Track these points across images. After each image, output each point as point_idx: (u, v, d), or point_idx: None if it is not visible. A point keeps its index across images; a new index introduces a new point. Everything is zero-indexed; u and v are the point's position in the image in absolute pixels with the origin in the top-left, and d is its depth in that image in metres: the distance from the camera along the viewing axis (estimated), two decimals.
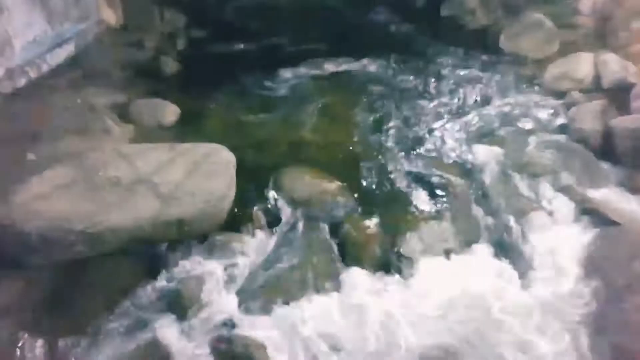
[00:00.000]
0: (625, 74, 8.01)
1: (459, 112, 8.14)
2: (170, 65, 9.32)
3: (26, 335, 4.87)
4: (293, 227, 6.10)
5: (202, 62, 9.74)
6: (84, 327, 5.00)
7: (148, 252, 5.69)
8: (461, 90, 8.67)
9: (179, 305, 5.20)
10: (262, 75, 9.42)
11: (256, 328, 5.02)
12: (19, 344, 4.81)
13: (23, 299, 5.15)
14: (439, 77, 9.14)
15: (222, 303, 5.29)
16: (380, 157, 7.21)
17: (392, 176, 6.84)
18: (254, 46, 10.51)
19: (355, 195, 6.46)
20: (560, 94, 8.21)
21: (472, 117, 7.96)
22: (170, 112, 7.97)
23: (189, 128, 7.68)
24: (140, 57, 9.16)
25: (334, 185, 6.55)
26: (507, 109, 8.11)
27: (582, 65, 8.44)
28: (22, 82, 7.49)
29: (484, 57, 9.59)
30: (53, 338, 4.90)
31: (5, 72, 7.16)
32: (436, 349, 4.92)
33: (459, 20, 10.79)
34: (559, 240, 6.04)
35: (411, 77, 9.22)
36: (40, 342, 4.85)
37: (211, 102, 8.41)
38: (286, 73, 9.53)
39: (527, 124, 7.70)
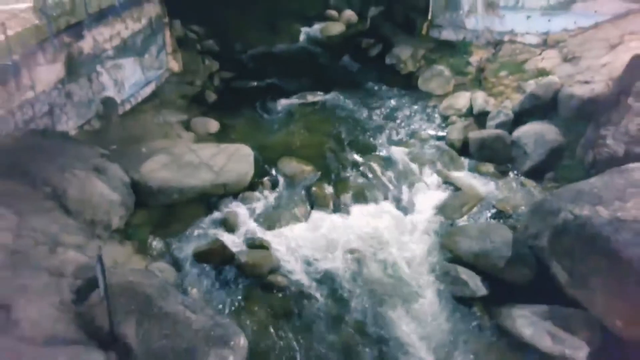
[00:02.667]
0: (487, 106, 12.01)
1: (386, 127, 12.09)
2: (211, 96, 13.23)
3: (151, 235, 8.82)
4: (285, 189, 10.10)
5: (231, 93, 13.63)
6: (178, 234, 8.94)
7: (209, 200, 9.64)
8: (389, 113, 12.64)
9: (226, 225, 9.15)
10: (268, 102, 13.28)
11: (265, 235, 8.99)
12: (149, 238, 8.75)
13: (146, 221, 9.12)
14: (378, 105, 13.06)
15: (248, 225, 9.23)
16: (337, 152, 11.14)
17: (342, 162, 10.80)
18: (263, 82, 14.35)
19: (320, 172, 10.42)
20: (446, 118, 12.19)
21: (393, 130, 11.95)
22: (213, 126, 11.90)
23: (225, 135, 11.62)
24: (192, 91, 13.06)
25: (309, 167, 10.51)
26: (415, 125, 12.11)
27: (462, 99, 12.44)
28: (127, 107, 11.48)
29: (407, 93, 13.49)
30: (163, 238, 8.85)
31: (121, 102, 11.16)
32: (360, 242, 8.86)
33: (396, 67, 14.69)
34: (429, 197, 10.01)
35: (361, 104, 13.12)
36: (156, 239, 8.80)
37: (237, 119, 12.36)
38: (283, 101, 13.37)
39: (424, 135, 11.70)
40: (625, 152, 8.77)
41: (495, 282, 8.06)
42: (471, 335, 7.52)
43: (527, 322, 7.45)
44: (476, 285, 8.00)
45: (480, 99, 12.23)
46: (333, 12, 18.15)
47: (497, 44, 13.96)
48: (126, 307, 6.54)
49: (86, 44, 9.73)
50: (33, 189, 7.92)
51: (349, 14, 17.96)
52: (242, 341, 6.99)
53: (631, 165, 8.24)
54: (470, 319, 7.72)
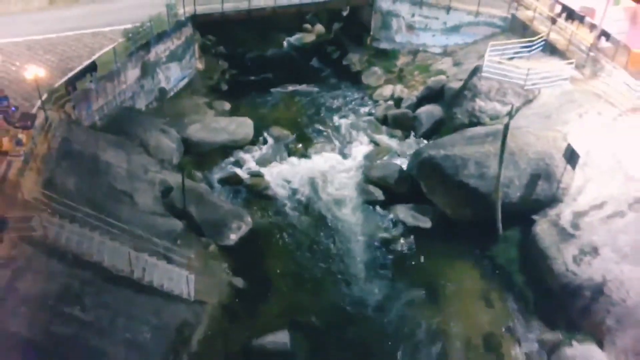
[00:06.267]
0: (402, 94, 16.58)
1: (338, 107, 16.61)
2: (224, 86, 17.47)
3: (194, 169, 13.38)
4: (272, 144, 14.65)
5: (237, 85, 17.84)
6: (210, 168, 13.53)
7: (226, 150, 14.17)
8: (341, 98, 17.15)
9: (237, 164, 13.75)
10: (262, 90, 17.56)
11: (261, 169, 13.58)
12: (192, 171, 13.32)
13: (191, 161, 13.64)
14: (335, 92, 17.46)
15: (251, 164, 13.80)
16: (308, 123, 15.70)
17: (309, 129, 15.37)
18: (259, 77, 18.45)
19: (295, 135, 15.01)
20: (377, 102, 16.74)
21: (343, 109, 16.50)
22: (227, 106, 16.23)
23: (235, 112, 15.96)
24: (212, 83, 17.27)
25: (288, 131, 15.04)
26: (356, 106, 16.63)
27: (388, 90, 16.95)
28: (172, 94, 15.81)
29: (355, 85, 17.87)
30: (201, 170, 13.42)
31: (168, 90, 15.52)
32: (317, 173, 13.62)
33: (349, 67, 18.96)
34: (360, 150, 14.65)
35: (324, 92, 17.52)
36: (197, 171, 13.38)
37: (242, 102, 16.77)
38: (273, 90, 17.70)
39: (361, 112, 16.27)
40: (468, 122, 13.54)
41: (389, 192, 12.83)
42: (375, 220, 12.28)
43: (404, 212, 12.27)
44: (379, 194, 12.78)
45: (399, 90, 16.81)
46: (308, 26, 22.22)
47: (415, 53, 18.39)
48: (190, 198, 11.20)
49: (152, 55, 14.03)
50: (131, 141, 12.39)
51: (319, 28, 22.07)
52: (249, 219, 11.80)
53: (467, 129, 13.04)
54: (375, 212, 12.50)
